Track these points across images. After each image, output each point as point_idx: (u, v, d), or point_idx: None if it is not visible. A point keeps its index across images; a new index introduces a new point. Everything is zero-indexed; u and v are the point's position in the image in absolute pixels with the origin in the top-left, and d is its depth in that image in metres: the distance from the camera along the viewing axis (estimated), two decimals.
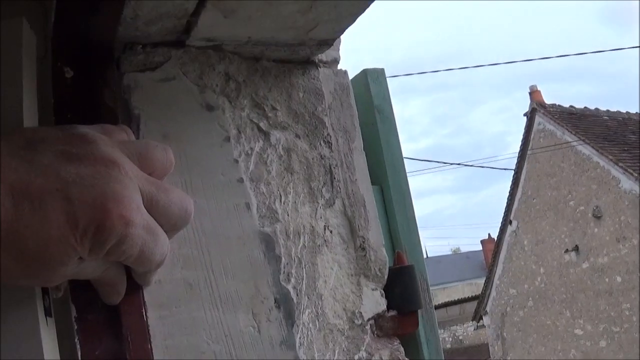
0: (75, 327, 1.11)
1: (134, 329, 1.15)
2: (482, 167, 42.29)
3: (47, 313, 1.03)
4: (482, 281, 32.20)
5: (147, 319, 1.19)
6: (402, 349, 1.52)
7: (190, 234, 1.28)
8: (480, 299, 29.70)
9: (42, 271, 0.91)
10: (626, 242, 23.00)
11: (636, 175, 22.30)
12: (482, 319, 29.44)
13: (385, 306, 1.51)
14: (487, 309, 28.88)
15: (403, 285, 1.55)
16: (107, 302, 1.12)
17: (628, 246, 22.94)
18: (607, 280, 23.77)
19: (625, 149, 24.37)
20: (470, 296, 37.65)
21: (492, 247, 33.54)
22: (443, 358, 1.65)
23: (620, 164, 22.92)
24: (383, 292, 1.52)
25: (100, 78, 1.26)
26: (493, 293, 28.64)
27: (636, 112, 28.99)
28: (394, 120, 1.74)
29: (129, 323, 1.15)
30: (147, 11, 1.20)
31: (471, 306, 31.91)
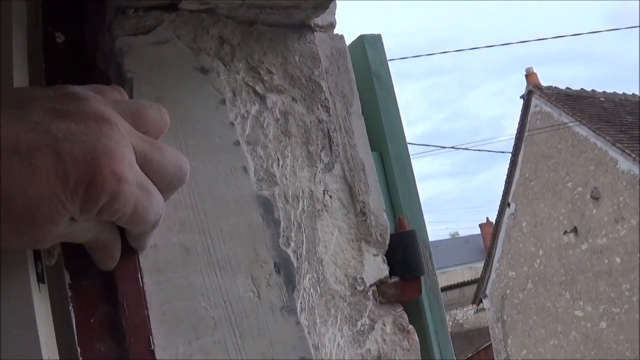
0: (69, 294, 1.08)
1: (129, 295, 1.12)
2: (479, 150, 42.32)
3: (40, 279, 1.01)
4: (481, 265, 32.19)
5: (143, 285, 1.16)
6: (405, 315, 1.50)
7: (187, 197, 1.25)
8: (479, 282, 29.69)
9: (32, 231, 0.88)
10: (625, 222, 23.00)
11: (634, 156, 22.29)
12: (481, 302, 29.45)
13: (387, 272, 1.50)
14: (487, 292, 28.88)
15: (405, 251, 1.53)
16: (101, 268, 1.09)
17: (627, 227, 22.94)
18: (606, 261, 23.78)
19: (623, 129, 24.35)
20: (469, 280, 37.69)
21: (491, 231, 33.53)
22: (447, 325, 1.63)
23: (618, 145, 22.90)
24: (385, 258, 1.50)
25: (92, 43, 1.24)
26: (492, 276, 28.65)
27: (633, 94, 29.00)
28: (392, 86, 1.72)
29: (125, 289, 1.12)
30: None
31: (470, 290, 31.95)
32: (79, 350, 1.07)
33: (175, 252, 1.23)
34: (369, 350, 1.43)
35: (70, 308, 1.08)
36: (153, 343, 1.13)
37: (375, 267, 1.48)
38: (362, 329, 1.43)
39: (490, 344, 28.90)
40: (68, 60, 1.20)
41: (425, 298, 1.58)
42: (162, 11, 1.34)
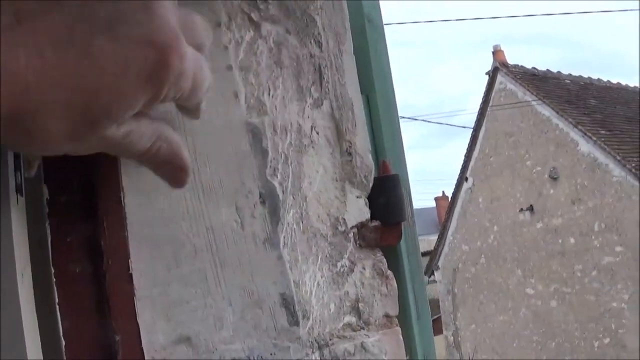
0: (47, 209, 1.03)
1: (110, 215, 1.08)
2: (440, 123, 42.55)
3: (19, 191, 0.96)
4: (434, 238, 32.41)
5: (124, 205, 1.12)
6: (384, 260, 1.49)
7: (174, 118, 1.21)
8: (432, 255, 29.93)
9: (89, 131, 0.80)
10: (581, 204, 23.26)
11: (595, 139, 22.50)
12: (433, 274, 29.70)
13: (368, 215, 1.48)
14: (439, 264, 29.14)
15: (387, 195, 1.51)
16: (174, 185, 1.00)
17: (583, 209, 23.21)
18: (560, 241, 24.05)
19: (586, 112, 24.57)
20: (422, 252, 37.94)
21: (446, 204, 33.81)
22: (422, 273, 1.61)
23: (580, 127, 23.11)
24: (367, 200, 1.48)
25: None
26: (445, 249, 28.88)
27: (598, 78, 29.25)
28: (383, 29, 1.70)
29: (105, 208, 1.08)
30: None
31: (423, 261, 32.18)
32: (52, 270, 1.03)
33: None
34: (347, 292, 1.40)
35: (47, 224, 1.03)
36: (131, 267, 1.09)
37: (357, 209, 1.46)
38: (341, 270, 1.40)
39: (440, 316, 29.16)
40: None
41: (404, 245, 1.56)
42: None
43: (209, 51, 1.24)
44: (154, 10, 0.82)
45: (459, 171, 28.48)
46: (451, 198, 29.47)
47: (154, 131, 0.91)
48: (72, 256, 1.05)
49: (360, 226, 1.46)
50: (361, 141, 1.48)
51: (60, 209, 1.05)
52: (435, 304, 29.11)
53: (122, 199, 1.11)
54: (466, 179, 27.81)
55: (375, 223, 1.47)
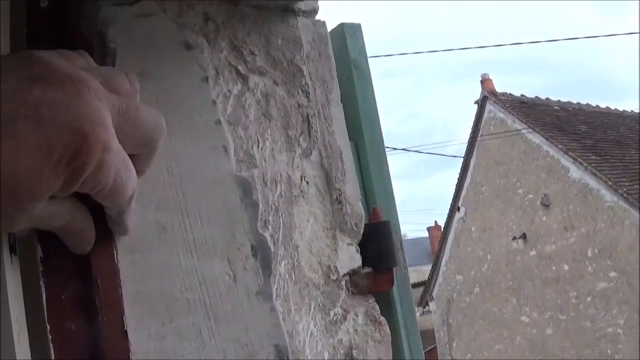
0: (41, 268, 1.05)
1: (104, 273, 1.09)
2: (431, 153, 42.63)
3: (12, 250, 0.97)
4: (428, 268, 32.36)
5: (117, 263, 1.13)
6: (377, 307, 1.50)
7: (165, 175, 1.23)
8: (426, 285, 29.85)
9: (9, 210, 0.82)
10: (574, 230, 23.24)
11: (586, 165, 22.53)
12: (428, 305, 29.60)
13: (360, 262, 1.49)
14: (433, 294, 29.03)
15: (378, 241, 1.52)
16: (76, 252, 1.05)
17: (576, 235, 23.18)
18: (554, 268, 24.00)
19: (576, 138, 24.60)
20: (416, 282, 37.75)
21: (439, 234, 33.74)
22: (416, 318, 1.62)
23: (570, 153, 23.13)
24: (358, 247, 1.49)
25: (77, 8, 1.21)
26: (439, 279, 28.80)
27: (587, 103, 29.31)
28: (370, 76, 1.72)
29: (99, 266, 1.09)
30: None
31: (417, 292, 31.99)
32: (48, 327, 1.04)
33: (151, 230, 1.20)
34: (341, 340, 1.41)
35: (41, 283, 1.04)
36: (126, 323, 1.10)
37: (349, 256, 1.47)
38: (334, 318, 1.41)
39: (435, 346, 29.03)
40: (51, 26, 1.17)
41: (397, 290, 1.57)
42: None
43: (198, 106, 1.27)
44: (85, 98, 0.85)
45: (450, 200, 28.48)
46: (444, 228, 29.42)
47: (69, 210, 0.95)
48: (67, 314, 1.06)
49: (352, 273, 1.47)
50: (351, 189, 1.50)
51: (55, 267, 1.06)
52: (430, 335, 29.01)
53: (115, 256, 1.12)
54: (458, 209, 27.78)
55: (367, 269, 1.48)
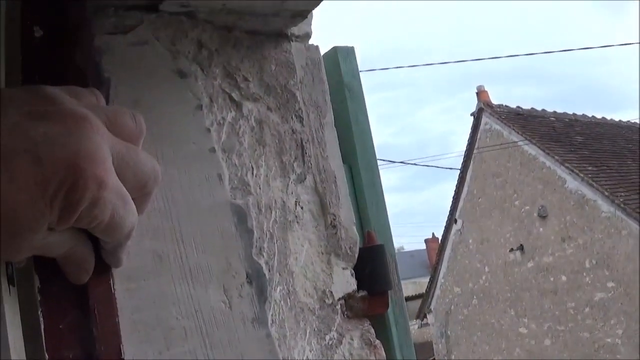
0: (39, 298, 1.05)
1: (100, 302, 1.10)
2: (428, 166, 42.57)
3: (10, 281, 0.98)
4: (425, 280, 32.34)
5: (114, 292, 1.13)
6: (372, 330, 1.50)
7: (160, 204, 1.23)
8: (424, 298, 29.82)
9: (8, 240, 0.84)
10: (571, 241, 23.24)
11: (582, 175, 22.54)
12: (426, 317, 29.58)
13: (355, 286, 1.49)
14: (431, 307, 29.01)
15: (373, 265, 1.53)
16: (74, 282, 1.05)
17: (573, 246, 23.18)
18: (552, 279, 23.99)
19: (572, 149, 24.61)
20: (414, 295, 37.75)
21: (436, 246, 33.74)
22: (411, 340, 1.62)
23: (567, 164, 23.14)
24: (353, 271, 1.50)
25: (72, 39, 1.21)
26: (437, 291, 28.77)
27: (583, 114, 29.32)
28: (363, 99, 1.72)
29: (96, 295, 1.09)
30: None
31: (415, 305, 32.00)
32: (47, 356, 1.04)
33: (147, 259, 1.21)
34: None
35: (39, 312, 1.05)
36: (123, 352, 1.11)
37: (344, 281, 1.47)
38: (330, 343, 1.42)
39: (434, 359, 28.99)
40: (46, 56, 1.18)
41: (392, 313, 1.58)
42: (142, 11, 1.32)
43: (192, 134, 1.28)
44: (85, 135, 0.87)
45: (447, 212, 28.46)
46: (441, 240, 29.40)
47: (69, 240, 0.96)
48: (64, 343, 1.06)
49: (347, 297, 1.47)
50: (345, 213, 1.50)
51: (52, 296, 1.06)
52: (428, 347, 29.00)
53: (111, 285, 1.12)
54: (455, 221, 27.77)
55: (362, 293, 1.49)
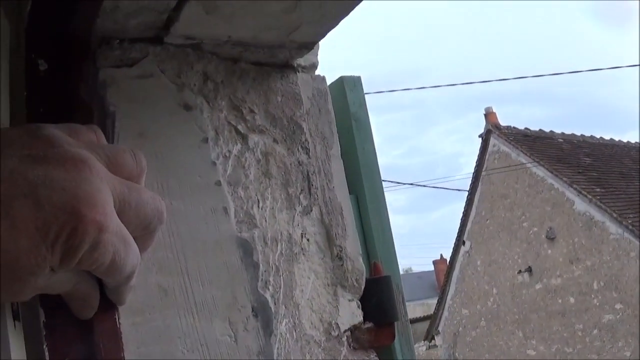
0: (44, 332, 1.05)
1: (106, 336, 1.09)
2: (436, 187, 42.65)
3: (15, 317, 0.98)
4: (434, 301, 32.31)
5: (120, 326, 1.13)
6: None
7: (166, 237, 1.23)
8: (432, 319, 29.79)
9: (11, 285, 0.84)
10: (579, 263, 23.23)
11: (590, 197, 22.52)
12: (434, 338, 29.55)
13: (361, 317, 1.49)
14: (440, 328, 28.98)
15: (379, 296, 1.52)
16: (80, 317, 1.05)
17: (581, 267, 23.17)
18: (560, 301, 23.96)
19: (580, 171, 24.62)
20: (422, 316, 37.69)
21: (444, 268, 33.68)
22: None
23: (575, 186, 23.15)
24: (359, 303, 1.49)
25: (76, 72, 1.22)
26: (445, 313, 28.74)
27: (591, 135, 29.33)
28: (370, 129, 1.72)
29: (101, 329, 1.09)
30: (128, 3, 1.16)
31: (423, 326, 31.95)
32: None
33: (153, 293, 1.21)
34: None
35: (44, 347, 1.05)
36: None
37: (350, 312, 1.47)
38: None
39: None
40: (50, 90, 1.18)
41: (398, 344, 1.57)
42: (147, 44, 1.32)
43: (198, 168, 1.28)
44: (85, 178, 0.87)
45: (455, 234, 28.44)
46: (449, 262, 29.39)
47: (74, 278, 0.96)
48: None
49: (354, 329, 1.46)
50: (351, 245, 1.50)
51: (57, 331, 1.06)
52: None
53: (117, 319, 1.12)
54: (464, 242, 27.76)
55: (369, 324, 1.48)
